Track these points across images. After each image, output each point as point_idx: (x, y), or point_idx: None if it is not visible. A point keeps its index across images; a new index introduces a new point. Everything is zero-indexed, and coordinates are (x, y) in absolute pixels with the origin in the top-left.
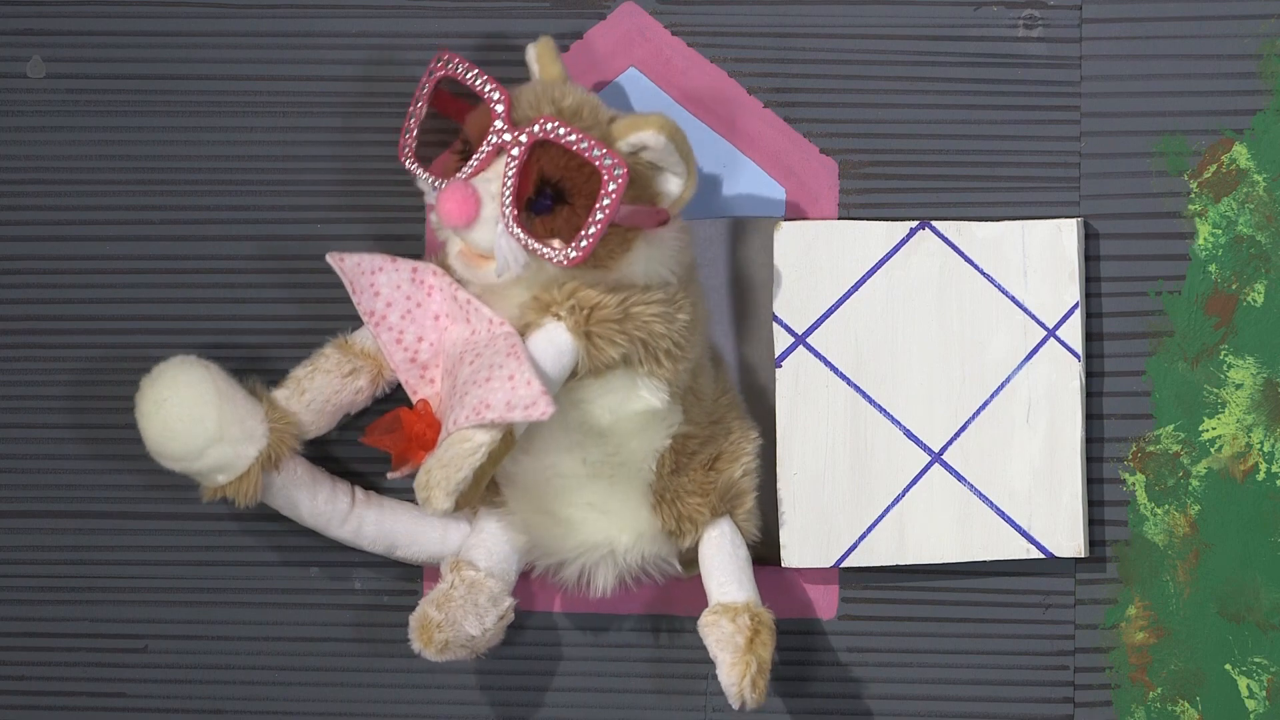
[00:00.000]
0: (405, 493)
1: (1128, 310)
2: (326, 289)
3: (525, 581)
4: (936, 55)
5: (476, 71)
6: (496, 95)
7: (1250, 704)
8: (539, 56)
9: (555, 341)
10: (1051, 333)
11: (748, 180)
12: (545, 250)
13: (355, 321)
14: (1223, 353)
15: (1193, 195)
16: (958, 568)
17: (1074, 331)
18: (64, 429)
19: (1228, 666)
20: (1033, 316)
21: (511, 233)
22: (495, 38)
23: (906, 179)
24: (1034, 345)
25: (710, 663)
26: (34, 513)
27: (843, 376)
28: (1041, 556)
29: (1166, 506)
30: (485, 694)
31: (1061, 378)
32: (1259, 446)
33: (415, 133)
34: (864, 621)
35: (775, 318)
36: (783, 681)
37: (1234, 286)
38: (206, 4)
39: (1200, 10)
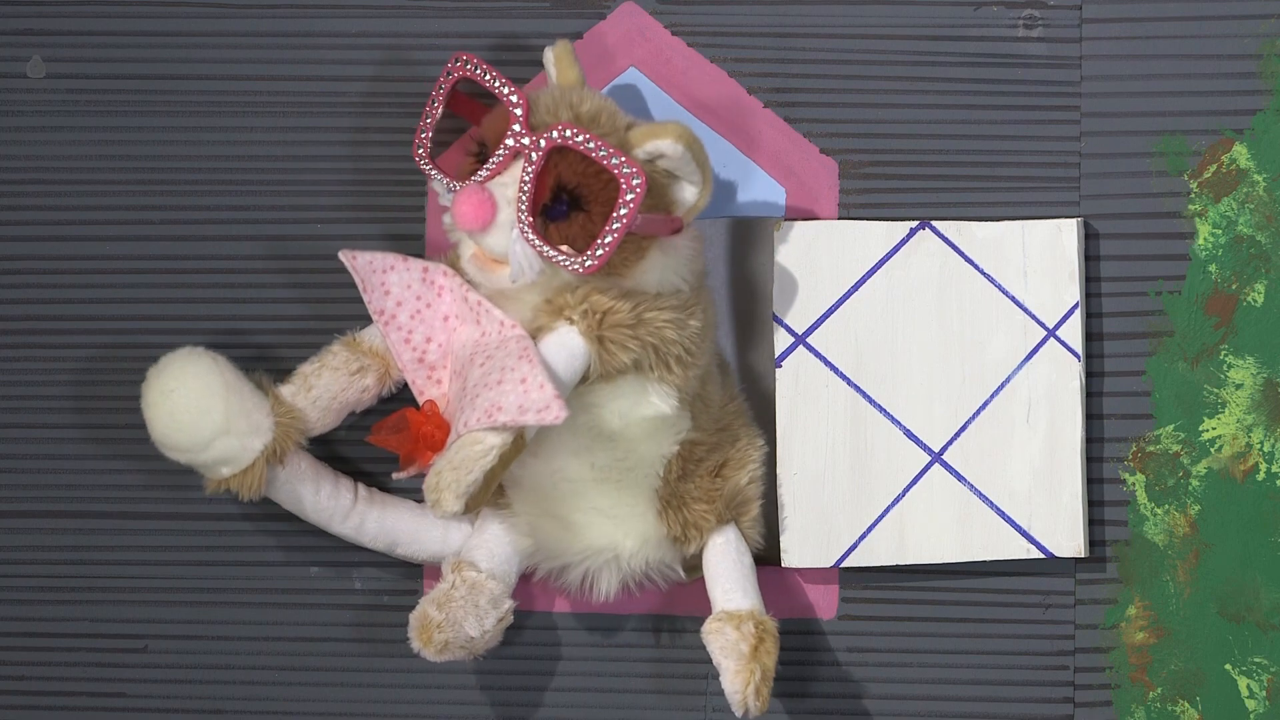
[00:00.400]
0: (410, 492)
1: (1128, 310)
2: (326, 289)
3: (525, 582)
4: (936, 55)
5: (495, 74)
6: (515, 99)
7: (1250, 704)
8: (557, 60)
9: (567, 345)
10: (1051, 333)
11: (748, 180)
12: (561, 258)
13: (355, 322)
14: (1223, 353)
15: (1193, 195)
16: (958, 568)
17: (1074, 331)
18: (64, 429)
19: (1228, 666)
20: (1033, 316)
21: (527, 239)
22: (495, 38)
23: (906, 179)
24: (1034, 345)
25: (711, 663)
26: (34, 513)
27: (843, 376)
28: (1041, 556)
29: (1166, 506)
30: (485, 694)
31: (1061, 378)
32: (1259, 446)
33: (430, 134)
34: (864, 621)
35: (775, 318)
36: (783, 681)
37: (1234, 286)
38: (206, 4)
39: (1200, 10)
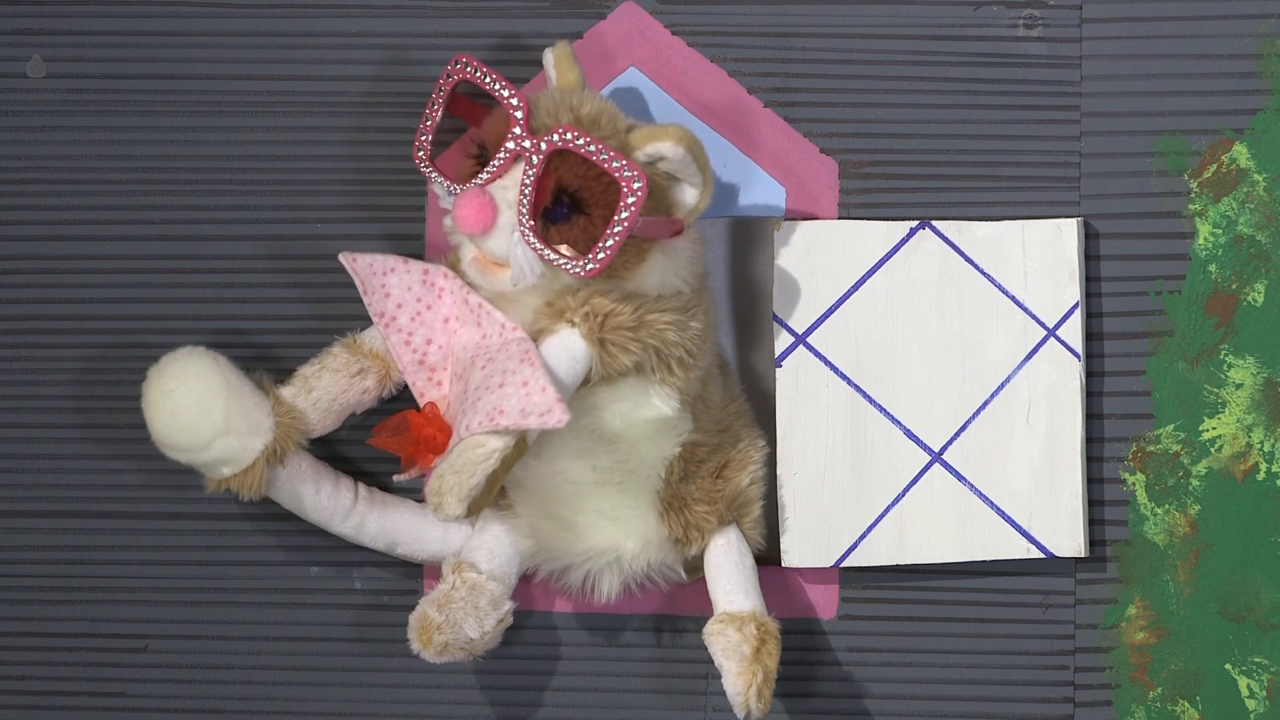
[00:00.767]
0: (411, 492)
1: (1128, 310)
2: (326, 289)
3: (525, 582)
4: (936, 55)
5: (495, 76)
6: (516, 101)
7: (1250, 704)
8: (557, 62)
9: (569, 348)
10: (1051, 333)
11: (748, 180)
12: (562, 261)
13: (355, 322)
14: (1223, 353)
15: (1193, 195)
16: (958, 568)
17: (1074, 331)
18: (64, 429)
19: (1228, 666)
20: (1033, 316)
21: (528, 242)
22: (495, 38)
23: (906, 179)
24: (1034, 345)
25: (711, 663)
26: (34, 513)
27: (843, 376)
28: (1041, 556)
29: (1166, 506)
30: (485, 694)
31: (1061, 378)
32: (1259, 446)
33: (431, 136)
34: (864, 621)
35: (775, 318)
36: (783, 681)
37: (1234, 286)
38: (206, 4)
39: (1200, 10)
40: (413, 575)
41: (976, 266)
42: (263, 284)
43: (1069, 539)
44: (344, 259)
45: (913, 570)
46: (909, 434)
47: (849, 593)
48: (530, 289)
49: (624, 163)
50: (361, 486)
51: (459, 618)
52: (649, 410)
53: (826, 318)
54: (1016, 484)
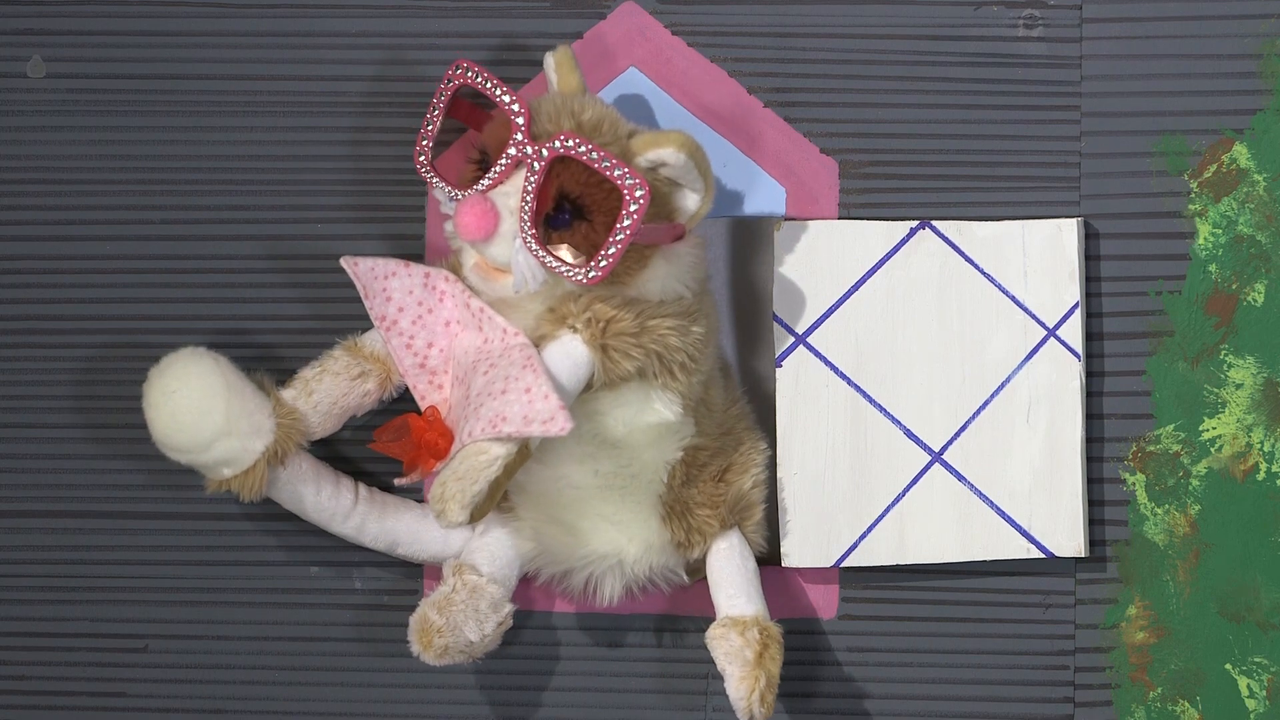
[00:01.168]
0: (412, 492)
1: (1128, 310)
2: (326, 289)
3: (525, 584)
4: (936, 55)
5: (496, 81)
6: (517, 107)
7: (1250, 704)
8: (558, 66)
9: (571, 354)
10: (1051, 333)
11: (748, 180)
12: (564, 269)
13: (355, 322)
14: (1223, 353)
15: (1193, 195)
16: (958, 568)
17: (1074, 331)
18: (64, 429)
19: (1228, 666)
20: (1033, 316)
21: (530, 249)
22: (495, 38)
23: (906, 179)
24: (1034, 345)
25: (709, 662)
26: (34, 513)
27: (843, 376)
28: (1041, 556)
29: (1166, 506)
30: (485, 694)
31: (1061, 378)
32: (1259, 446)
33: (431, 141)
34: (864, 621)
35: (775, 318)
36: (783, 681)
37: (1234, 286)
38: (206, 4)
39: (1200, 10)
40: (413, 575)
41: (976, 266)
42: (263, 284)
43: (1069, 539)
44: (345, 263)
45: (913, 570)
46: (909, 434)
47: (849, 593)
48: (532, 295)
49: (626, 170)
50: (362, 487)
51: (459, 621)
52: (651, 415)
53: (826, 318)
54: (1016, 484)
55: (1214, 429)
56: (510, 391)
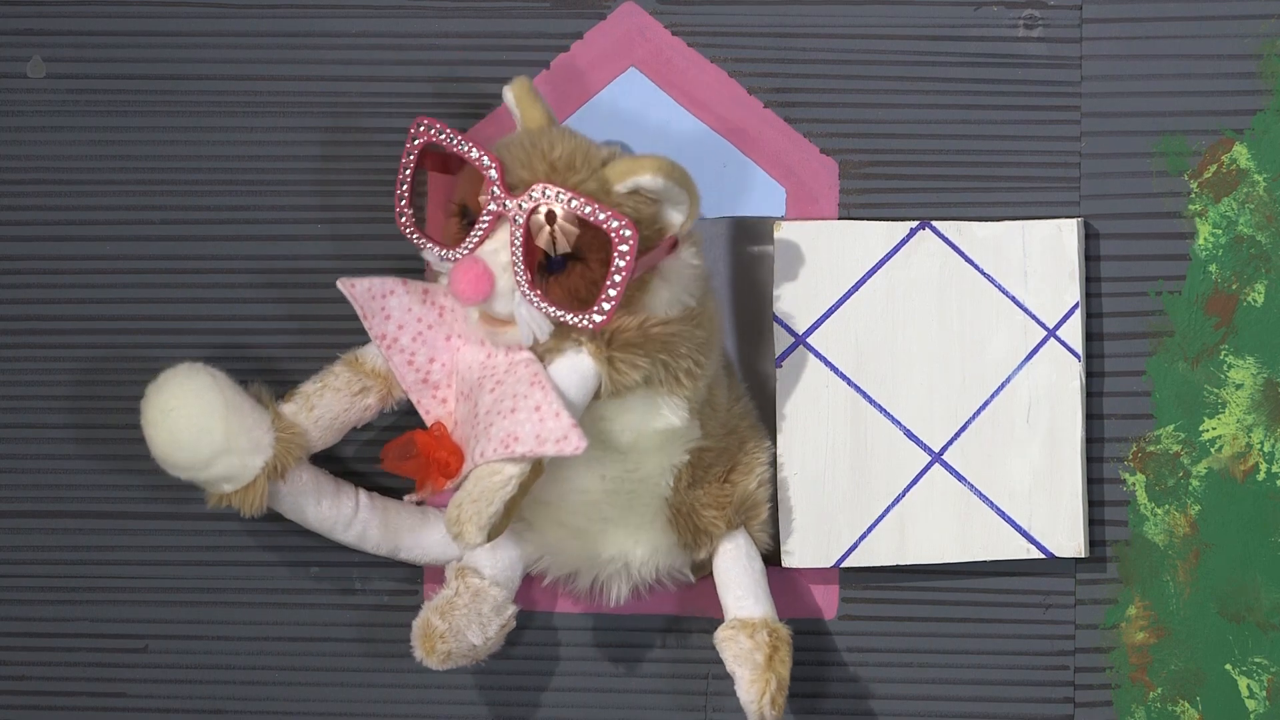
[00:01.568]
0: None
1: (1128, 310)
2: (327, 289)
3: (527, 583)
4: (936, 55)
5: (461, 137)
6: (487, 161)
7: (1250, 704)
8: (518, 100)
9: (578, 369)
10: (1051, 333)
11: (748, 180)
12: (568, 317)
13: (355, 322)
14: (1223, 353)
15: (1193, 195)
16: (958, 568)
17: (1074, 331)
18: (64, 429)
19: (1228, 666)
20: (1033, 316)
21: (531, 303)
22: (495, 38)
23: (906, 179)
24: (1034, 345)
25: (710, 662)
26: (34, 513)
27: (843, 376)
28: (1041, 556)
29: (1166, 506)
30: (486, 694)
31: (1061, 378)
32: (1259, 446)
33: (408, 202)
34: (864, 621)
35: (775, 318)
36: None
37: (1234, 286)
38: (206, 4)
39: (1200, 10)
40: (413, 575)
41: (976, 267)
42: (263, 284)
43: (1069, 539)
44: (342, 285)
45: (913, 570)
46: (909, 434)
47: (849, 593)
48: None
49: (609, 214)
50: (362, 494)
51: (462, 625)
52: (658, 421)
53: (826, 318)
54: (1016, 484)
55: (1214, 429)
56: (520, 410)
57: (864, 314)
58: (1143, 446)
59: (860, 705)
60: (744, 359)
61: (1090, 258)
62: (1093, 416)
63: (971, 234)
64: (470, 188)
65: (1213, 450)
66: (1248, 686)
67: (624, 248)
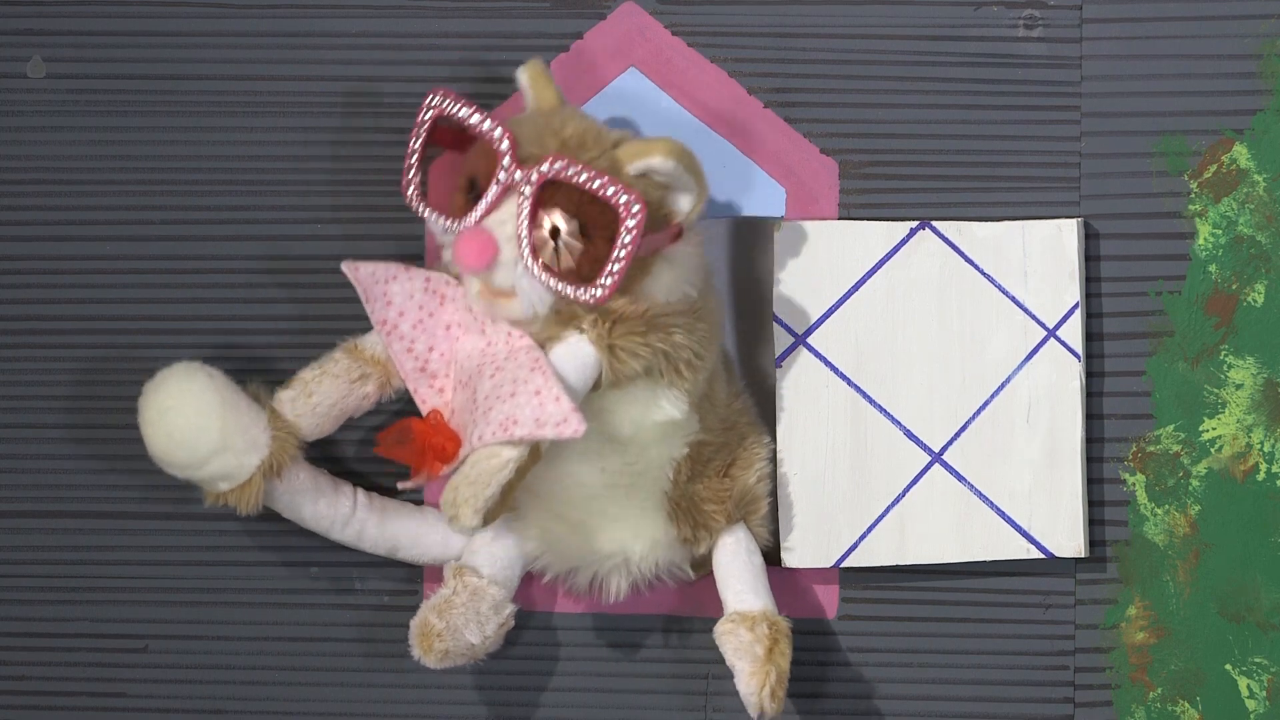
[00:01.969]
0: (412, 495)
1: (1128, 310)
2: (326, 289)
3: (526, 582)
4: (936, 55)
5: (473, 109)
6: (499, 133)
7: (1250, 704)
8: (532, 82)
9: (578, 355)
10: (1051, 333)
11: (748, 180)
12: (570, 290)
13: (355, 322)
14: (1223, 353)
15: (1193, 195)
16: (958, 568)
17: (1074, 331)
18: (64, 429)
19: (1228, 666)
20: (1033, 316)
21: (533, 274)
22: (495, 38)
23: (906, 179)
24: (1034, 345)
25: (710, 662)
26: (34, 513)
27: (843, 376)
28: (1041, 556)
29: (1167, 506)
30: (485, 694)
31: (1061, 378)
32: (1259, 446)
33: (416, 173)
34: (864, 621)
35: (775, 318)
36: None
37: (1234, 286)
38: (206, 4)
39: (1200, 10)
40: (413, 575)
41: (976, 267)
42: (263, 284)
43: (1069, 539)
44: (346, 268)
45: (913, 570)
46: (909, 434)
47: (849, 593)
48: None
49: (618, 188)
50: (360, 493)
51: (460, 624)
52: (658, 413)
53: (826, 318)
54: (1016, 484)
55: (1214, 429)
56: (520, 394)
57: (864, 314)
58: (1143, 446)
59: (860, 705)
60: (744, 358)
61: (1090, 258)
62: (1093, 416)
63: (971, 234)
64: (480, 162)
65: (1213, 450)
66: (1248, 686)
67: (631, 222)
